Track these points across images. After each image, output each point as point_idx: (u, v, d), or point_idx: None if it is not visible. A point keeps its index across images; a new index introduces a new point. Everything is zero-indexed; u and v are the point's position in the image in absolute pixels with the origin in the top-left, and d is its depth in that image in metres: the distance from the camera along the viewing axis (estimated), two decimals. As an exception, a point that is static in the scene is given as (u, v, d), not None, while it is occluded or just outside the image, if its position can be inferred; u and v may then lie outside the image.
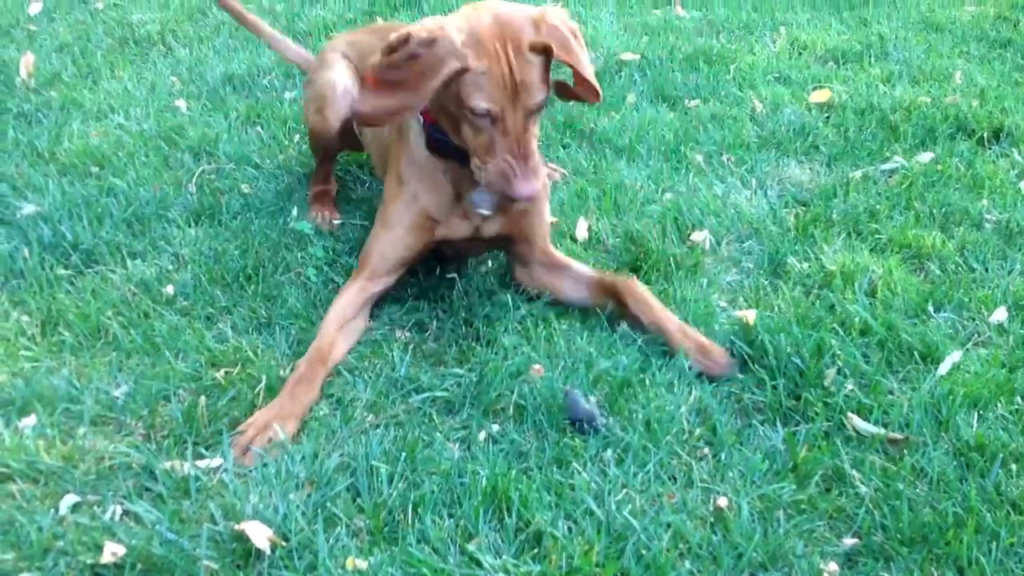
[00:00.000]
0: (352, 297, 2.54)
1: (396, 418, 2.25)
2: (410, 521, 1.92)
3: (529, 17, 2.37)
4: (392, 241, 2.59)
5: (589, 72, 2.43)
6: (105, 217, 3.06)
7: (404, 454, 2.08)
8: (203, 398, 2.25)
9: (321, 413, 2.25)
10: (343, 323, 2.49)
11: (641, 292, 2.55)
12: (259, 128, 3.77)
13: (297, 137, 3.68)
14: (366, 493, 1.99)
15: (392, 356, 2.44)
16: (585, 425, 2.17)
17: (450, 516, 1.94)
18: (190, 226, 3.06)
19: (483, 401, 2.27)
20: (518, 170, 2.32)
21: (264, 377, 2.32)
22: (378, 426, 2.21)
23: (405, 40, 2.30)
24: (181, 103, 3.99)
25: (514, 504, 1.94)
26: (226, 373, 2.36)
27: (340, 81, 3.08)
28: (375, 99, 2.36)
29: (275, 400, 2.25)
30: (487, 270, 2.83)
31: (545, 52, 2.34)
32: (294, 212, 3.09)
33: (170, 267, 2.82)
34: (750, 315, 2.50)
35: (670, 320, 2.48)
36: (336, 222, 3.11)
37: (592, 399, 2.24)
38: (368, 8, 5.23)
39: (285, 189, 3.33)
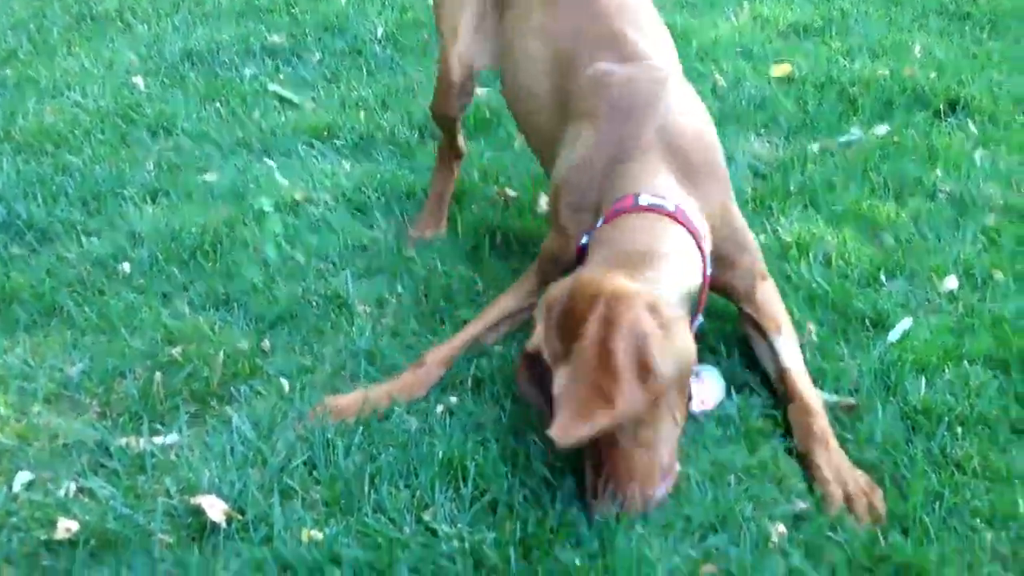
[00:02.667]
0: (521, 298, 2.35)
1: (354, 390, 2.25)
2: (367, 492, 1.93)
3: (598, 307, 1.82)
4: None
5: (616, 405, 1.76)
6: (60, 195, 3.04)
7: (361, 427, 2.09)
8: (159, 375, 2.25)
9: (281, 385, 2.25)
10: (494, 324, 2.34)
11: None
12: (218, 105, 3.74)
13: (258, 113, 3.66)
14: (323, 466, 2.00)
15: (352, 330, 2.44)
16: None
17: (407, 487, 1.95)
18: (147, 204, 3.04)
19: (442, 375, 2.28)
20: (594, 490, 1.86)
21: (221, 353, 2.32)
22: (335, 399, 2.21)
23: None
24: (139, 80, 3.96)
25: (471, 474, 1.96)
26: (183, 350, 2.35)
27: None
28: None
29: (390, 383, 2.21)
30: (442, 244, 2.83)
31: None
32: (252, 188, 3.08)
33: (126, 245, 2.81)
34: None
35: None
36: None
37: None
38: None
39: (244, 166, 3.31)
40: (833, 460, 1.97)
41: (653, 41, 2.42)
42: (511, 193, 3.06)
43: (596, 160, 2.17)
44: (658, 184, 2.08)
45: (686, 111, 2.24)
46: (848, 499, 1.89)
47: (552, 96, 2.42)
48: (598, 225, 2.09)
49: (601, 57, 2.31)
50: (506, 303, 2.38)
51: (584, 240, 2.11)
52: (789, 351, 2.18)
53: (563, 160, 2.27)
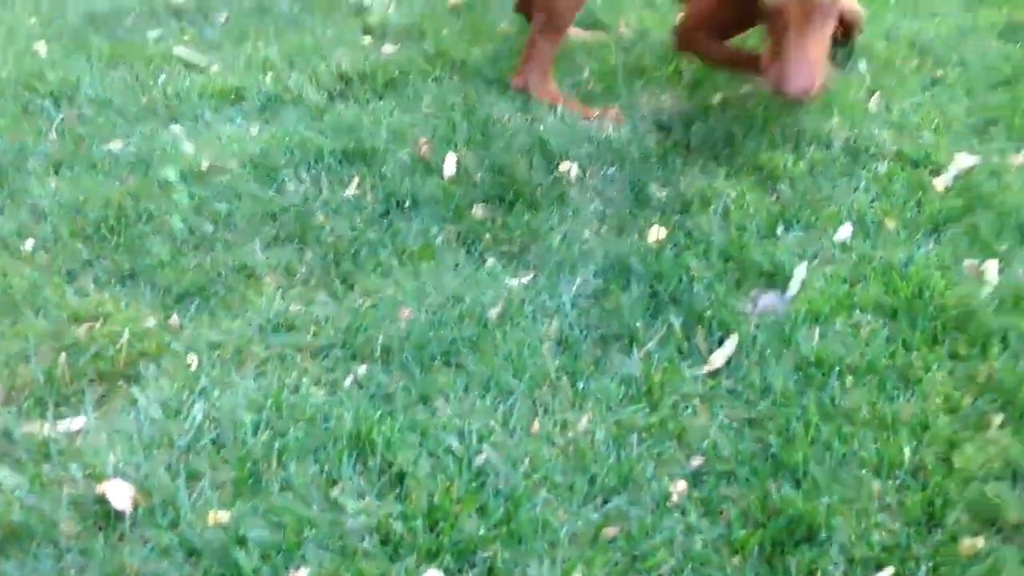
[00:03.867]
0: None
1: (264, 364, 2.26)
2: (274, 470, 1.95)
3: None
4: None
5: None
6: (-40, 172, 2.99)
7: (270, 401, 2.11)
8: (64, 356, 2.24)
9: (188, 362, 2.26)
10: None
11: None
12: (123, 70, 3.67)
13: (163, 77, 3.59)
14: (231, 445, 2.02)
15: (260, 302, 2.45)
16: None
17: (315, 462, 1.98)
18: (50, 176, 3.00)
19: (351, 344, 2.30)
20: (793, 65, 2.67)
21: (127, 331, 2.31)
22: (243, 376, 2.22)
23: None
24: (41, 46, 3.86)
25: (378, 446, 1.99)
26: (88, 328, 2.34)
27: None
28: None
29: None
30: (350, 208, 2.82)
31: None
32: (156, 157, 3.05)
33: (29, 221, 2.77)
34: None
35: None
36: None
37: None
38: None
39: (150, 133, 3.26)
40: None
41: None
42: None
43: None
44: None
45: None
46: None
47: None
48: None
49: None
50: None
51: None
52: None
53: None
